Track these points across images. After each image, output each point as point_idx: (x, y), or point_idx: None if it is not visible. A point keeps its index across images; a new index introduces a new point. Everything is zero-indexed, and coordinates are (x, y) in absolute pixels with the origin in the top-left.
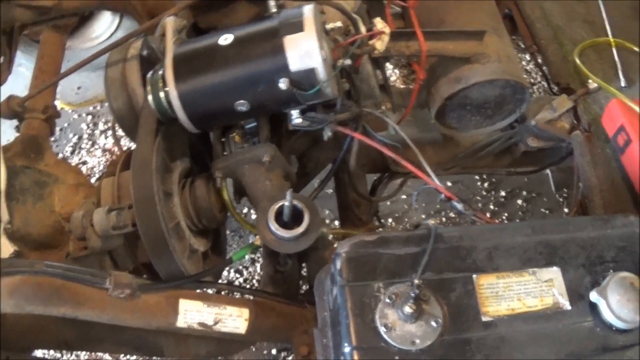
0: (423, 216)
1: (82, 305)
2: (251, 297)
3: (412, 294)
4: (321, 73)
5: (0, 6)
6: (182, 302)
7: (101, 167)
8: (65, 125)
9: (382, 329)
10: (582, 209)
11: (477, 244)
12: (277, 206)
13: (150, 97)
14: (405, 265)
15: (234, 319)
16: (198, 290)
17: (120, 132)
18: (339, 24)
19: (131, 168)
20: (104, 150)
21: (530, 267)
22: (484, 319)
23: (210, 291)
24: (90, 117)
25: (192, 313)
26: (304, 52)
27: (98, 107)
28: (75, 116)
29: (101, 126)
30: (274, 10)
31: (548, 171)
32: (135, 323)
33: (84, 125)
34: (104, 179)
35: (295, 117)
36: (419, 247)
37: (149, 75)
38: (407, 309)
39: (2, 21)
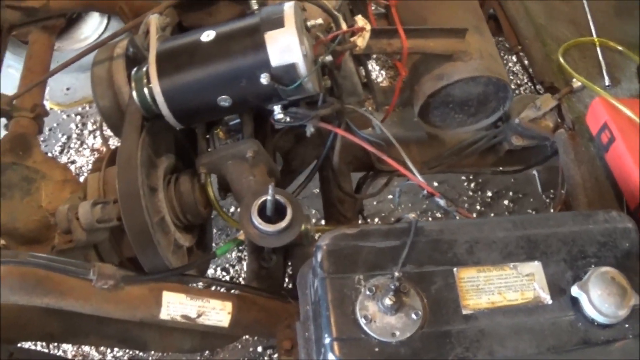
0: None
1: (66, 296)
2: (235, 292)
3: (392, 286)
4: (302, 68)
5: None
6: (165, 294)
7: (89, 167)
8: (55, 125)
9: (362, 321)
10: (567, 207)
11: (458, 237)
12: (260, 201)
13: (134, 94)
14: (386, 258)
15: (217, 312)
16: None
17: (108, 132)
18: (319, 20)
19: (117, 163)
20: (93, 150)
21: (511, 261)
22: (464, 312)
23: (201, 287)
24: (79, 117)
25: (175, 305)
26: (285, 47)
27: (87, 108)
28: (64, 116)
29: (90, 126)
30: (255, 7)
31: (534, 172)
32: (118, 314)
33: (72, 125)
34: (89, 175)
35: (278, 112)
36: (400, 240)
37: (133, 72)
38: (387, 301)
39: None
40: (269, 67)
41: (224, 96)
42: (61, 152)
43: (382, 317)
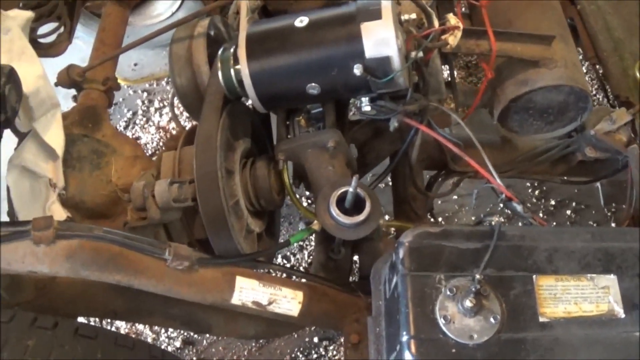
0: (473, 218)
1: (139, 274)
2: (304, 281)
3: (473, 289)
4: (396, 62)
5: None
6: (239, 280)
7: (154, 144)
8: (120, 100)
9: (441, 321)
10: (634, 223)
11: (539, 244)
12: (339, 192)
13: (220, 74)
14: (467, 260)
15: (288, 301)
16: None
17: (176, 110)
18: (413, 16)
19: (195, 143)
20: (158, 128)
21: (588, 272)
22: (541, 319)
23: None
24: (145, 94)
25: (247, 291)
26: (381, 39)
27: (154, 85)
28: (131, 92)
29: (156, 104)
30: None
31: (598, 184)
32: (190, 296)
33: (139, 102)
34: (164, 153)
35: (365, 104)
36: (481, 243)
37: (220, 52)
38: (468, 303)
39: None
40: (362, 58)
41: (313, 84)
42: (126, 127)
43: (461, 318)
